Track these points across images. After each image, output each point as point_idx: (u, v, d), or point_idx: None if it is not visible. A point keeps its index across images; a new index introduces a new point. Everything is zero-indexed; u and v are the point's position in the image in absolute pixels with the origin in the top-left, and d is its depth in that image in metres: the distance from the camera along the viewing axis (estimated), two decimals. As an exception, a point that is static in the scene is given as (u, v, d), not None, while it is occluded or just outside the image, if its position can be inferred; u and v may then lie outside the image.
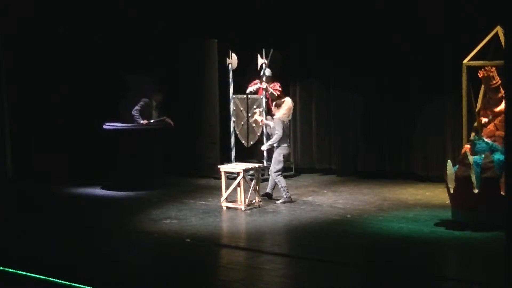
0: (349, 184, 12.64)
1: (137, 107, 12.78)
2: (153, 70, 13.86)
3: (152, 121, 12.83)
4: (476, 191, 9.16)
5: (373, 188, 12.24)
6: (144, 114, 12.79)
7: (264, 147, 11.98)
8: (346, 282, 7.61)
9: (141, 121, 12.72)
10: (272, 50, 13.17)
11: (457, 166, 9.43)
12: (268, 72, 13.12)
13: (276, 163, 11.24)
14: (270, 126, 11.49)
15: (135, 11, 13.84)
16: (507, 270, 5.14)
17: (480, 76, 9.89)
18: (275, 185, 11.42)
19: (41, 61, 13.81)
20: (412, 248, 8.73)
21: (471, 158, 9.25)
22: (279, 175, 11.23)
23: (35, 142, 13.79)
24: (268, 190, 11.47)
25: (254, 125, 12.88)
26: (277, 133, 11.16)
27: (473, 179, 9.17)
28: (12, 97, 13.75)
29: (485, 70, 9.81)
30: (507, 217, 5.16)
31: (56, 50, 13.86)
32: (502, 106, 9.82)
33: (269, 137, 11.85)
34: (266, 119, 12.29)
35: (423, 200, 11.21)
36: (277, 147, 11.24)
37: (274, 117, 11.36)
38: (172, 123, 12.96)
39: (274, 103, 11.58)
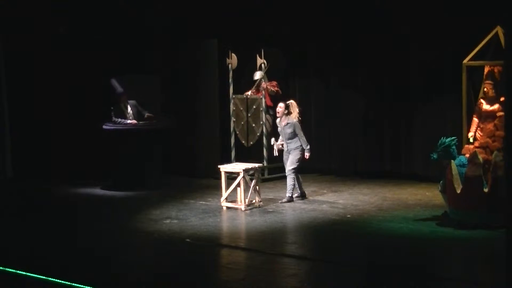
0: (349, 184, 12.63)
1: (113, 118, 12.67)
2: (153, 70, 13.85)
3: (140, 122, 12.68)
4: (486, 190, 9.13)
5: (373, 188, 12.23)
6: (120, 118, 12.69)
7: (307, 154, 11.22)
8: (346, 282, 7.61)
9: (128, 121, 12.64)
10: (272, 49, 13.18)
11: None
12: (259, 75, 13.10)
13: (294, 162, 11.22)
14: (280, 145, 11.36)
15: (135, 10, 13.83)
16: (507, 270, 5.14)
17: (496, 70, 9.86)
18: (301, 182, 11.43)
19: (41, 61, 13.80)
20: (412, 248, 8.74)
21: (481, 158, 9.23)
22: (293, 173, 11.21)
23: (35, 142, 13.78)
24: (299, 190, 11.45)
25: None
26: (303, 136, 11.19)
27: (484, 178, 9.16)
28: (12, 97, 13.75)
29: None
30: (507, 217, 5.17)
31: (56, 50, 13.85)
32: (497, 106, 9.87)
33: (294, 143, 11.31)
34: (266, 118, 12.26)
35: (423, 200, 11.20)
36: (296, 148, 11.22)
37: (290, 121, 11.21)
38: (151, 115, 12.71)
39: (286, 111, 11.31)
